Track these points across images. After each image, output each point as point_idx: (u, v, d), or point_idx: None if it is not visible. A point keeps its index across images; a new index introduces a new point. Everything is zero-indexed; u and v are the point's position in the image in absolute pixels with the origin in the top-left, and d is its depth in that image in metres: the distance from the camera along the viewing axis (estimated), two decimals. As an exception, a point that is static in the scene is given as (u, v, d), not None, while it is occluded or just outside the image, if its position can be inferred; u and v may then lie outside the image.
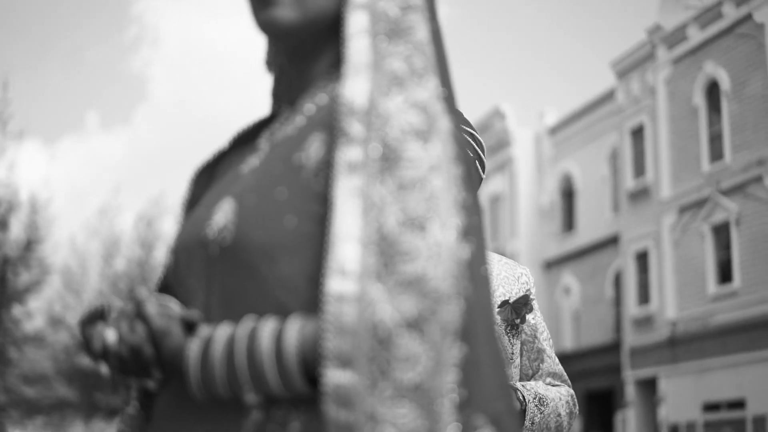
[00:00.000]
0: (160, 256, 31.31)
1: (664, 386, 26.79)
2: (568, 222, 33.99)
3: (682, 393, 26.01)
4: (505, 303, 2.73)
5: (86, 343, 1.38)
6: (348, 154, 1.29)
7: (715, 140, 25.78)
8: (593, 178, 32.24)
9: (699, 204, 25.90)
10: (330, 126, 1.37)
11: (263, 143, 1.51)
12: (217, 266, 1.37)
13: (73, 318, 31.28)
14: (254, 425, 1.30)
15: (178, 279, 1.45)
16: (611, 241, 30.74)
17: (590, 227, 32.19)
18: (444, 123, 1.33)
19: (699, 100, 26.24)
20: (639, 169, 29.00)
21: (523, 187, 35.36)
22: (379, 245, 1.23)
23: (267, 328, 1.28)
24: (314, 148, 1.37)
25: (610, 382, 30.26)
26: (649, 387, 28.01)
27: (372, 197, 1.26)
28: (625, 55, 29.48)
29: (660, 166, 27.59)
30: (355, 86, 1.34)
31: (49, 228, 28.98)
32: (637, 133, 29.12)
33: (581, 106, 33.11)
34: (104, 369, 1.35)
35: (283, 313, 1.30)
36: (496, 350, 1.35)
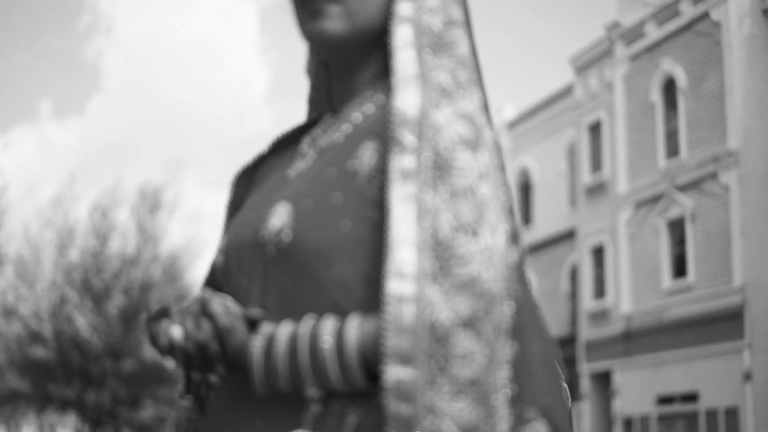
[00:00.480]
0: (115, 246, 31.04)
1: (618, 379, 27.07)
2: (525, 216, 34.20)
3: (637, 386, 26.31)
4: None
5: (152, 339, 1.42)
6: (402, 162, 1.36)
7: (672, 137, 26.06)
8: (550, 173, 32.47)
9: (655, 199, 26.19)
10: (381, 135, 1.45)
11: (306, 148, 1.57)
12: (274, 266, 1.43)
13: (26, 308, 30.95)
14: (313, 417, 1.36)
15: (229, 278, 1.51)
16: (567, 236, 30.99)
17: (547, 221, 32.43)
18: (488, 133, 1.42)
19: (656, 96, 26.52)
20: (596, 164, 29.25)
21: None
22: (434, 249, 1.30)
23: (328, 326, 1.34)
24: (367, 156, 1.45)
25: (565, 375, 30.49)
26: (603, 380, 28.30)
27: (426, 203, 1.33)
28: (583, 51, 29.70)
29: (617, 161, 27.86)
30: (406, 98, 1.40)
31: (1, 218, 28.63)
32: (595, 129, 29.37)
33: (539, 101, 33.31)
34: (170, 363, 1.40)
35: (338, 312, 1.37)
36: (546, 347, 1.43)
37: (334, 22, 1.51)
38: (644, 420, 26.11)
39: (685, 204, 25.03)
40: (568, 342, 30.34)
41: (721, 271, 23.68)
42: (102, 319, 29.99)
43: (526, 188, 34.26)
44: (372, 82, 1.57)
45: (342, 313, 1.36)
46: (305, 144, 1.59)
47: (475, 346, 1.27)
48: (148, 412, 31.29)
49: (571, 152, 31.48)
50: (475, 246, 1.31)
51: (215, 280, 1.59)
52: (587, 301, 28.90)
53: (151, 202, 31.29)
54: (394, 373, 1.26)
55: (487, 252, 1.31)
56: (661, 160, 26.16)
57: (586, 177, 29.44)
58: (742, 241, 23.22)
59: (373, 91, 1.56)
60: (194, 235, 45.66)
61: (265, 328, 1.38)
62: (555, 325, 31.53)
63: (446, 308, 1.28)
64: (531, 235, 33.24)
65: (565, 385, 2.97)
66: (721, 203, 23.91)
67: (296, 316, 1.39)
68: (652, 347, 25.81)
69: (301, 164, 1.54)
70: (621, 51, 27.99)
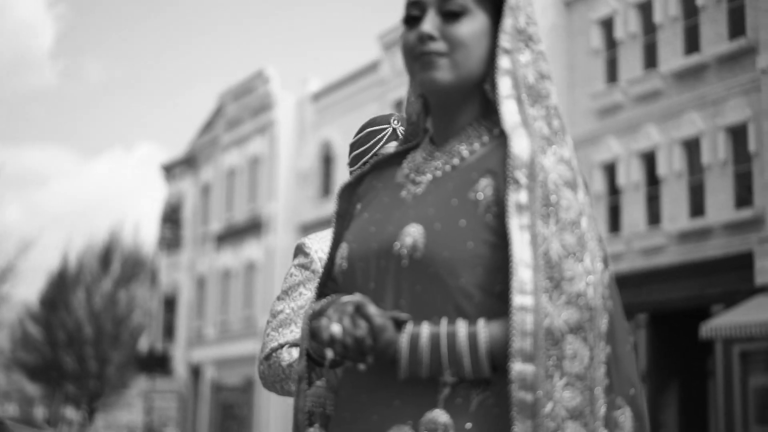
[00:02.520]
0: None
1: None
2: (326, 187, 34.68)
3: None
4: None
5: (313, 334, 1.74)
6: (518, 197, 1.72)
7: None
8: (353, 147, 32.97)
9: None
10: (494, 172, 1.80)
11: (413, 174, 1.91)
12: (407, 275, 1.76)
13: None
14: (444, 398, 1.71)
15: (352, 281, 1.84)
16: (368, 209, 31.63)
17: (348, 194, 32.94)
18: (581, 176, 1.79)
19: (460, 78, 27.44)
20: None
21: (283, 150, 35.76)
22: (547, 271, 1.68)
23: (462, 328, 1.70)
24: (485, 190, 1.78)
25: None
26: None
27: (538, 233, 1.69)
28: (391, 29, 30.32)
29: (420, 138, 28.63)
30: (519, 144, 1.76)
31: None
32: (400, 106, 30.06)
33: (345, 74, 33.78)
34: (330, 354, 1.69)
35: (460, 314, 1.72)
36: (630, 349, 1.80)
37: (442, 73, 1.83)
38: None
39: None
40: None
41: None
42: None
43: (328, 160, 34.71)
44: (475, 123, 1.90)
45: (463, 315, 1.73)
46: (407, 169, 1.93)
47: (582, 348, 1.66)
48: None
49: (375, 127, 32.06)
50: (579, 269, 1.69)
51: (333, 281, 1.95)
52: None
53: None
54: (518, 368, 1.63)
55: (589, 274, 1.70)
56: (463, 140, 27.12)
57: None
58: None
59: (477, 131, 1.89)
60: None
61: (409, 327, 1.73)
62: (352, 295, 32.18)
63: (559, 318, 1.66)
64: (331, 207, 33.69)
65: None
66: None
67: (425, 316, 1.74)
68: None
69: (414, 189, 1.88)
70: (428, 31, 28.74)
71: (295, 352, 2.79)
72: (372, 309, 1.70)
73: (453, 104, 1.89)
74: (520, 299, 1.65)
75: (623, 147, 22.46)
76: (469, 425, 1.70)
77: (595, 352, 1.67)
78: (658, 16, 21.96)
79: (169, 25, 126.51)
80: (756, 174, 19.29)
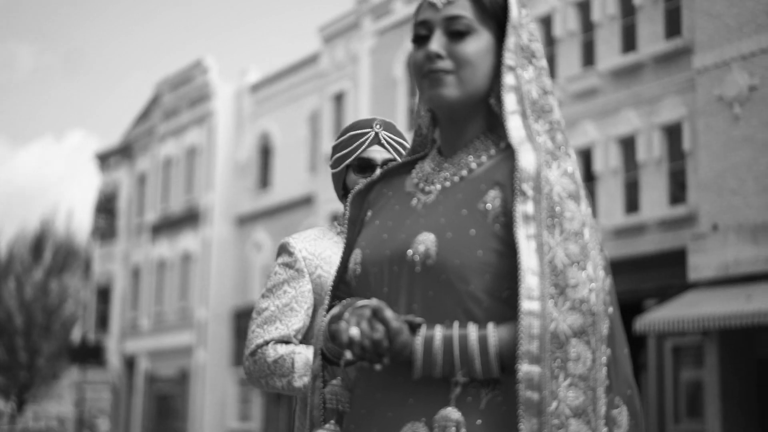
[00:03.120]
0: None
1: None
2: (264, 179, 34.60)
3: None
4: None
5: (333, 336, 1.85)
6: (525, 208, 1.83)
7: (413, 111, 27.15)
8: (292, 138, 32.99)
9: (394, 171, 27.24)
10: (501, 184, 1.91)
11: (422, 183, 2.02)
12: (420, 281, 1.87)
13: None
14: (457, 396, 1.82)
15: (365, 285, 1.96)
16: (306, 201, 31.66)
17: (286, 186, 32.96)
18: (583, 188, 1.90)
19: (399, 72, 27.56)
20: (338, 133, 29.88)
21: (221, 141, 35.57)
22: (552, 278, 1.78)
23: (474, 331, 1.81)
24: (493, 201, 1.89)
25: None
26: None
27: (544, 242, 1.81)
28: (332, 22, 30.34)
29: (359, 131, 28.69)
30: (526, 158, 1.87)
31: None
32: (339, 99, 30.15)
33: (285, 66, 33.71)
34: (348, 355, 1.78)
35: (469, 317, 1.84)
36: (627, 352, 1.92)
37: (450, 89, 1.94)
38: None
39: (422, 177, 26.22)
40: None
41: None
42: None
43: (266, 152, 34.63)
44: (481, 136, 2.02)
45: (472, 318, 1.84)
46: (417, 178, 2.04)
47: (585, 351, 1.78)
48: None
49: (314, 119, 32.12)
50: (583, 276, 1.80)
51: (346, 283, 2.06)
52: (322, 266, 29.65)
53: None
54: (525, 369, 1.75)
55: (591, 281, 1.81)
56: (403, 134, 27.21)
57: (327, 145, 30.16)
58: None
59: (483, 143, 2.01)
60: None
61: (423, 330, 1.84)
62: (289, 287, 32.13)
63: (563, 323, 1.77)
64: (268, 199, 33.70)
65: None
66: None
67: (437, 319, 1.85)
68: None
69: (424, 198, 1.99)
70: (368, 25, 28.84)
71: (280, 349, 2.87)
72: (389, 313, 1.80)
73: (460, 118, 2.00)
74: (528, 304, 1.77)
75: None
76: (479, 422, 1.81)
77: (597, 354, 1.79)
78: (596, 15, 22.25)
79: (105, 11, 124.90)
80: (690, 172, 19.68)
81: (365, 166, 3.04)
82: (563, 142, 1.95)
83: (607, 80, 21.81)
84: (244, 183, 35.10)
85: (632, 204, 21.06)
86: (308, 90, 32.31)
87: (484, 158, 1.99)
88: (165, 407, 37.04)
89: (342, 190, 3.11)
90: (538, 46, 2.00)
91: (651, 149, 20.48)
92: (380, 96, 28.25)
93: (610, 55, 21.96)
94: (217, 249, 34.95)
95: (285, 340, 2.90)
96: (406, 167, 2.13)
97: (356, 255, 2.01)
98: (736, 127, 18.27)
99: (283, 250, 3.02)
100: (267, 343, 2.88)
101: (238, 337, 34.09)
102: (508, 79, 1.95)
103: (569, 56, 23.02)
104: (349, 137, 3.08)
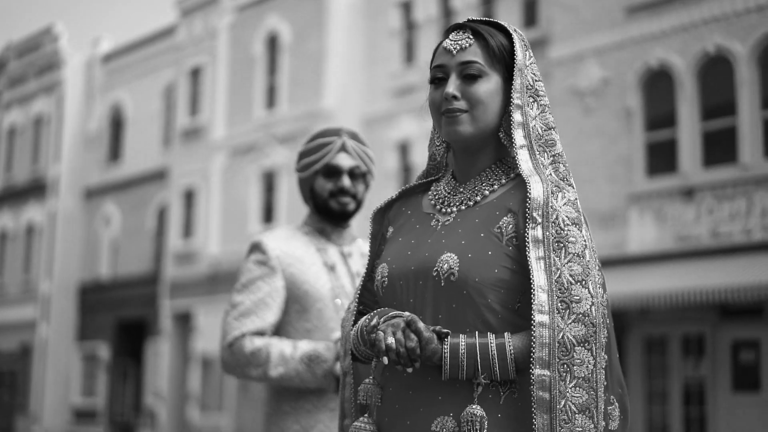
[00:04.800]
0: None
1: (201, 319, 27.94)
2: (115, 152, 33.97)
3: (218, 325, 27.20)
4: None
5: (371, 345, 2.13)
6: (535, 233, 2.13)
7: (272, 90, 27.19)
8: (145, 111, 32.48)
9: (250, 148, 27.22)
10: (513, 211, 2.20)
11: (439, 204, 2.30)
12: (444, 294, 2.15)
13: None
14: (479, 395, 2.10)
15: (392, 295, 2.23)
16: (159, 175, 31.26)
17: (138, 159, 32.45)
18: (583, 215, 2.19)
19: (259, 49, 27.48)
20: (194, 107, 29.76)
21: (70, 111, 34.70)
22: (559, 294, 2.08)
23: (492, 340, 2.10)
24: (507, 227, 2.18)
25: (145, 312, 30.90)
26: (185, 319, 29.07)
27: (552, 263, 2.11)
28: (190, -6, 29.93)
29: (216, 107, 28.56)
30: (536, 189, 2.16)
31: None
32: (196, 73, 29.84)
33: (139, 37, 33.11)
34: (385, 360, 2.04)
35: (487, 327, 2.13)
36: (618, 357, 2.22)
37: (464, 126, 2.23)
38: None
39: (279, 155, 26.29)
40: (150, 280, 30.75)
41: (308, 221, 25.17)
42: None
43: (117, 124, 33.98)
44: (492, 166, 2.30)
45: (490, 327, 2.13)
46: (433, 200, 2.32)
47: (587, 356, 2.07)
48: None
49: (169, 93, 31.70)
50: (585, 293, 2.10)
51: (370, 291, 2.35)
52: (174, 241, 29.44)
53: None
54: (538, 372, 2.05)
55: (592, 297, 2.10)
56: (260, 111, 27.22)
57: (182, 119, 29.88)
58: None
59: (495, 173, 2.29)
60: None
61: (449, 339, 2.11)
62: (139, 263, 31.76)
63: (569, 333, 2.07)
64: (119, 171, 33.12)
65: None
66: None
67: (460, 328, 2.14)
68: (236, 289, 26.82)
69: (443, 219, 2.26)
70: (228, 1, 28.61)
71: (256, 341, 3.14)
72: (421, 325, 2.07)
73: (473, 150, 2.28)
74: (539, 317, 2.06)
75: (417, 127, 23.17)
76: (499, 416, 2.10)
77: (598, 359, 2.08)
78: (456, 2, 22.74)
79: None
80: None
81: (332, 171, 3.31)
82: (566, 172, 2.26)
83: (465, 67, 22.28)
84: (93, 155, 34.37)
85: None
86: (163, 63, 31.85)
87: (495, 186, 2.27)
88: (6, 383, 36.06)
89: (309, 192, 3.34)
90: (542, 85, 2.29)
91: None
92: (238, 72, 28.10)
93: (468, 42, 22.42)
94: (64, 222, 34.16)
95: (260, 333, 3.13)
96: (422, 188, 2.41)
97: (383, 269, 2.28)
98: (589, 118, 19.03)
99: (257, 248, 3.26)
100: (244, 335, 3.13)
101: (84, 311, 33.49)
102: (516, 116, 2.24)
103: (429, 41, 23.44)
104: (317, 145, 3.33)
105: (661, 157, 18.19)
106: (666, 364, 17.59)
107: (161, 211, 31.38)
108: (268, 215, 26.78)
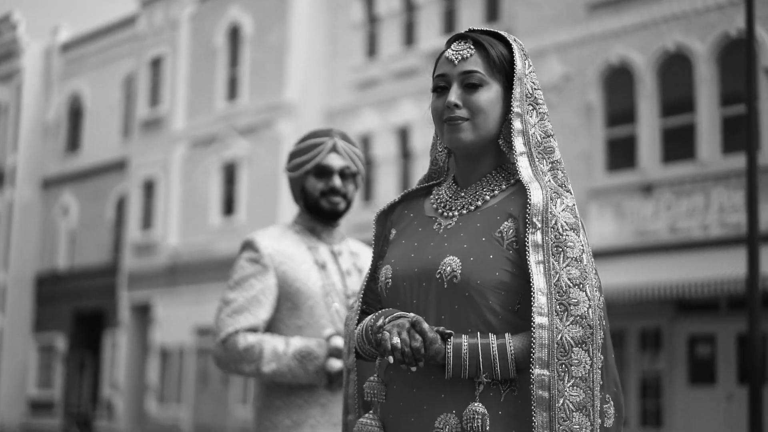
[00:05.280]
0: None
1: (159, 310, 27.84)
2: (73, 142, 33.70)
3: (177, 318, 27.20)
4: None
5: (377, 345, 2.17)
6: (534, 237, 2.19)
7: (234, 81, 27.12)
8: (105, 101, 32.24)
9: (211, 139, 27.14)
10: (514, 216, 2.27)
11: (441, 208, 2.37)
12: (446, 295, 2.22)
13: None
14: (481, 392, 2.17)
15: (396, 296, 2.30)
16: (118, 166, 31.07)
17: (97, 149, 32.22)
18: (581, 220, 2.26)
19: (220, 40, 27.39)
20: (154, 98, 29.60)
21: (27, 100, 34.34)
22: (557, 297, 2.16)
23: (494, 341, 2.17)
24: (508, 231, 2.25)
25: (103, 303, 30.73)
26: (144, 310, 28.95)
27: (551, 267, 2.17)
28: (151, -16, 29.75)
29: (176, 98, 28.43)
30: (535, 195, 2.23)
31: None
32: (156, 64, 29.68)
33: (99, 27, 32.86)
34: (391, 360, 2.11)
35: (488, 327, 2.20)
36: (613, 357, 2.30)
37: (465, 134, 2.30)
38: (181, 351, 27.17)
39: (240, 147, 26.23)
40: (109, 271, 30.57)
41: (269, 212, 25.17)
42: None
43: (76, 113, 33.71)
44: (493, 172, 2.36)
45: (491, 328, 2.20)
46: (435, 204, 2.39)
47: (585, 357, 2.14)
48: None
49: (129, 83, 31.50)
50: (582, 296, 2.17)
51: (373, 291, 2.41)
52: (133, 232, 29.30)
53: None
54: (537, 372, 2.11)
55: (589, 300, 2.17)
56: (221, 103, 27.15)
57: (142, 110, 29.71)
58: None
59: (495, 179, 2.35)
60: None
61: (452, 339, 2.18)
62: (97, 253, 31.56)
63: (567, 334, 2.13)
64: (77, 162, 32.87)
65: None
66: (274, 149, 25.34)
67: (462, 327, 2.20)
68: (196, 280, 26.83)
69: (445, 222, 2.33)
70: (189, -9, 28.48)
71: (249, 337, 3.21)
72: (425, 325, 2.14)
73: (474, 156, 2.35)
74: (539, 319, 2.13)
75: (380, 120, 23.26)
76: (500, 413, 2.17)
77: (594, 360, 2.15)
78: (419, -4, 22.81)
79: None
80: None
81: (323, 171, 3.38)
82: (564, 179, 2.32)
83: (426, 60, 22.41)
84: (51, 145, 34.08)
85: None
86: (123, 53, 31.63)
87: (496, 191, 2.33)
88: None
89: (300, 192, 3.41)
90: (540, 93, 2.35)
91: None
92: (199, 64, 27.99)
93: (430, 36, 22.58)
94: (20, 211, 33.85)
95: (253, 329, 3.20)
96: (423, 191, 2.48)
97: (387, 270, 2.34)
98: (550, 113, 19.17)
99: (250, 246, 3.33)
100: (237, 332, 3.20)
101: (40, 302, 33.23)
102: (516, 124, 2.31)
103: (390, 35, 23.53)
104: (309, 145, 3.40)
105: (621, 153, 18.43)
106: (623, 357, 17.82)
107: (120, 201, 31.20)
108: (229, 207, 26.73)
